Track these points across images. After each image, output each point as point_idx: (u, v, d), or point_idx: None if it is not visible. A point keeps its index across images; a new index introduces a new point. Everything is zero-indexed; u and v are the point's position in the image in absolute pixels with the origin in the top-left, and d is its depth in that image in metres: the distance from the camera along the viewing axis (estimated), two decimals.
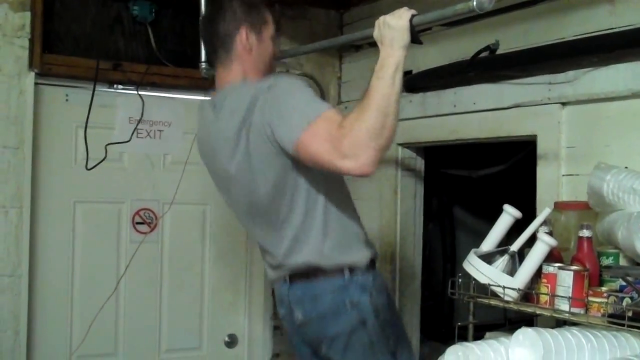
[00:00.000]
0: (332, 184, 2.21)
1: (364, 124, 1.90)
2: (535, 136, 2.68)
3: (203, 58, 3.27)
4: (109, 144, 3.18)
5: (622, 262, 2.13)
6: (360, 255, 2.23)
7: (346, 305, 2.18)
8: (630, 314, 1.84)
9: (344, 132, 1.91)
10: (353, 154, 1.90)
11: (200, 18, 2.32)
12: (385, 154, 1.98)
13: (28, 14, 3.02)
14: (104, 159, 3.15)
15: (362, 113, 1.93)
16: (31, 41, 3.04)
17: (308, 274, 2.22)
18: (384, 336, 2.22)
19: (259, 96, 2.08)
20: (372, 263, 2.27)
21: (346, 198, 2.29)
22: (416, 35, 2.01)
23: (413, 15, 2.00)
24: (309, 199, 2.16)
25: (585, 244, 2.11)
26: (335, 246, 2.20)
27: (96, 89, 3.18)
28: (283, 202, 2.17)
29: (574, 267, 2.04)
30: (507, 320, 2.56)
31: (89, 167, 3.12)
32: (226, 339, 3.53)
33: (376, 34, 2.05)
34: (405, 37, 1.98)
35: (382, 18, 2.03)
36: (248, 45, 2.23)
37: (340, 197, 2.24)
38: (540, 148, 2.65)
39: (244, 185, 2.22)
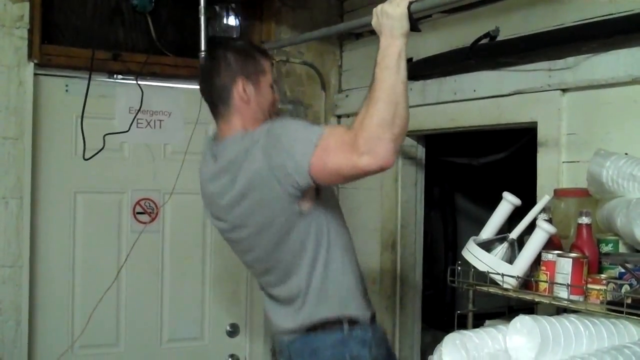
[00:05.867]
0: (336, 238, 2.24)
1: (374, 117, 1.91)
2: (535, 123, 2.66)
3: (203, 47, 3.26)
4: (107, 134, 3.17)
5: (622, 249, 2.13)
6: (359, 312, 2.26)
7: (346, 359, 2.20)
8: (629, 301, 1.83)
9: (356, 131, 1.92)
10: (369, 150, 1.89)
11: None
12: (402, 142, 1.99)
13: (27, 5, 3.01)
14: (101, 149, 3.14)
15: (371, 107, 1.93)
16: (30, 32, 3.03)
17: (307, 328, 2.24)
18: None
19: (257, 144, 2.09)
20: (372, 318, 2.30)
21: (349, 252, 2.30)
22: (415, 22, 1.99)
23: (411, 3, 1.99)
24: (312, 255, 2.19)
25: (584, 231, 2.10)
26: (335, 302, 2.22)
27: (96, 79, 3.18)
28: (286, 257, 2.21)
29: (573, 255, 2.03)
30: (508, 309, 2.55)
31: (86, 157, 3.11)
32: (228, 328, 3.53)
33: (374, 22, 2.04)
34: (405, 24, 1.97)
35: (379, 6, 2.02)
36: (245, 96, 2.23)
37: (343, 252, 2.26)
38: (541, 135, 2.64)
39: (245, 240, 2.27)
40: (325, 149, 1.98)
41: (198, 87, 3.25)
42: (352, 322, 2.22)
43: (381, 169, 1.93)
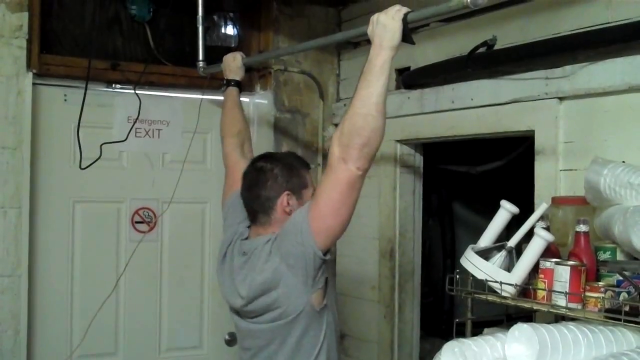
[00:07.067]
0: (329, 345, 2.28)
1: (344, 126, 2.00)
2: (532, 131, 2.68)
3: (201, 57, 3.28)
4: (104, 144, 3.16)
5: (619, 256, 2.13)
6: None
7: None
8: (626, 308, 1.84)
9: (330, 151, 2.02)
10: (340, 156, 1.99)
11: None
12: (370, 152, 2.01)
13: (26, 15, 3.01)
14: (98, 159, 3.13)
15: (345, 115, 2.02)
16: (29, 41, 3.03)
17: None
18: None
19: (274, 246, 2.20)
20: None
21: None
22: (409, 35, 2.00)
23: (407, 13, 1.99)
24: (305, 353, 2.25)
25: (582, 239, 2.11)
26: None
27: (94, 88, 3.17)
28: (281, 348, 2.25)
29: (570, 262, 2.04)
30: (506, 317, 2.56)
31: (83, 166, 3.10)
32: (226, 337, 3.51)
33: (370, 30, 2.05)
34: (396, 37, 1.99)
35: (376, 15, 2.03)
36: (288, 208, 2.30)
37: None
38: (538, 143, 2.65)
39: (255, 330, 2.32)
40: (315, 198, 2.10)
41: (196, 94, 3.31)
42: None
43: (352, 174, 2.00)
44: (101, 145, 3.16)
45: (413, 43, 2.04)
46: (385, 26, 1.98)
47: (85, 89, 3.07)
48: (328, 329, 2.27)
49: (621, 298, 1.91)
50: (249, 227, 2.45)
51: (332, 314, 2.30)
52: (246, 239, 2.40)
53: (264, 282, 2.20)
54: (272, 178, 2.30)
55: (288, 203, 2.29)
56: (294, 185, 2.31)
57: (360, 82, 2.00)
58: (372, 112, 1.96)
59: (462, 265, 2.27)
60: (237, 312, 2.39)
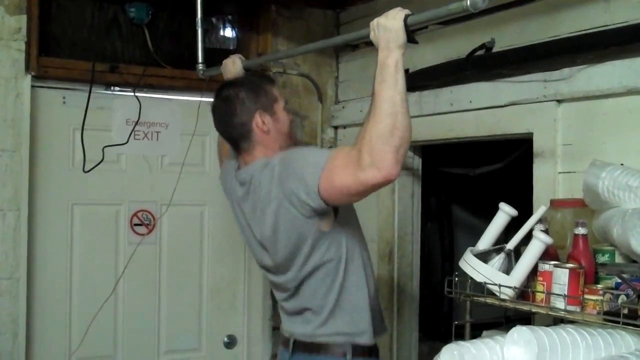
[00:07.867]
0: (353, 254, 2.30)
1: (374, 131, 1.95)
2: (531, 134, 2.68)
3: (200, 59, 3.27)
4: (106, 147, 3.17)
5: (618, 259, 2.14)
6: (365, 336, 2.30)
7: None
8: (625, 311, 1.84)
9: (358, 147, 1.98)
10: (372, 163, 1.93)
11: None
12: (405, 152, 1.98)
13: (24, 17, 3.01)
14: (101, 161, 3.14)
15: (371, 120, 1.98)
16: (27, 44, 3.04)
17: (311, 346, 2.31)
18: None
19: (273, 174, 2.19)
20: (374, 349, 2.34)
21: (367, 269, 2.36)
22: (411, 34, 2.00)
23: (407, 15, 2.00)
24: (332, 269, 2.26)
25: (580, 242, 2.12)
26: (342, 324, 2.28)
27: (93, 91, 3.17)
28: (309, 272, 2.26)
29: (569, 265, 2.04)
30: (505, 319, 2.56)
31: (86, 169, 3.11)
32: (225, 339, 3.52)
33: (372, 36, 2.05)
34: (400, 36, 1.98)
35: (375, 20, 2.03)
36: (265, 127, 2.30)
37: (360, 268, 2.31)
38: (537, 146, 2.65)
39: (280, 263, 2.32)
40: (332, 169, 2.05)
41: (195, 97, 3.29)
42: (355, 347, 2.27)
43: (386, 181, 1.96)
44: (103, 148, 3.18)
45: (416, 42, 2.04)
46: (387, 28, 1.98)
47: (90, 92, 3.08)
48: (349, 242, 2.28)
49: (620, 301, 1.91)
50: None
51: (350, 230, 2.31)
52: (239, 168, 2.41)
53: (273, 222, 2.21)
54: (239, 103, 2.30)
55: (263, 122, 2.29)
56: (263, 103, 2.31)
57: (378, 86, 1.98)
58: (400, 111, 1.95)
59: (460, 268, 2.27)
60: (268, 269, 2.41)
